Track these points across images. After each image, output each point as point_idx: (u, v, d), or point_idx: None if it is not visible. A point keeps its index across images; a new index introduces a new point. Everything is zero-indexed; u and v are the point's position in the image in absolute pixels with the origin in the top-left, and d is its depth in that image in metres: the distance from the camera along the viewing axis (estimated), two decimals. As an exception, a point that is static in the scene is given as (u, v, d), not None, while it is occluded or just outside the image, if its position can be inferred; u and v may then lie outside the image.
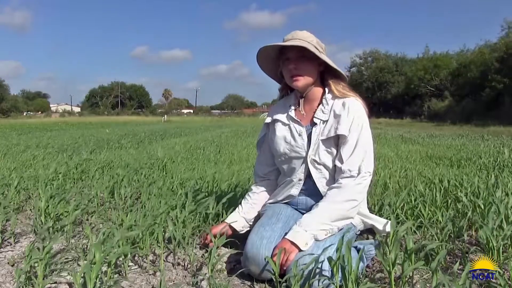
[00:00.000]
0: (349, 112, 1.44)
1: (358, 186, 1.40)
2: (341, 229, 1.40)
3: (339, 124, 1.43)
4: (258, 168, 1.72)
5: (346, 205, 1.38)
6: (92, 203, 2.22)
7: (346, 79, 1.53)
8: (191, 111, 71.57)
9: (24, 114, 54.54)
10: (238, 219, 1.63)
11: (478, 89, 24.68)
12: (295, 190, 1.55)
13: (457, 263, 1.29)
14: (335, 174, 1.46)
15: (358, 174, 1.40)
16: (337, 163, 1.44)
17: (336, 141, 1.46)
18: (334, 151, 1.46)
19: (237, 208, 1.67)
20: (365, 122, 1.46)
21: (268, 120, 1.64)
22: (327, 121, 1.47)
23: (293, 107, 1.57)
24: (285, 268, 1.25)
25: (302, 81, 1.48)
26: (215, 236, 1.50)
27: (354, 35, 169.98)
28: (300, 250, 1.28)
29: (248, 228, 1.63)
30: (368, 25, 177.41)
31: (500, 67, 23.12)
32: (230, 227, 1.61)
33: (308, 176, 1.51)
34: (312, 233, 1.31)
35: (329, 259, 1.19)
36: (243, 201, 1.69)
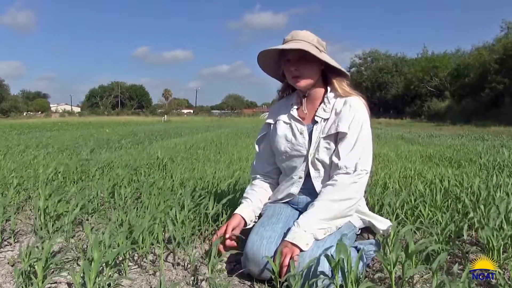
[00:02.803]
0: (350, 110, 1.44)
1: (354, 184, 1.39)
2: (340, 228, 1.39)
3: (339, 122, 1.43)
4: (258, 166, 1.70)
5: (343, 204, 1.37)
6: (92, 203, 2.22)
7: (349, 76, 1.53)
8: (191, 111, 71.56)
9: (24, 114, 54.59)
10: (249, 212, 1.56)
11: (478, 90, 24.69)
12: (295, 189, 1.55)
13: (457, 264, 1.29)
14: (331, 171, 1.46)
15: (354, 171, 1.39)
16: (334, 159, 1.43)
17: (336, 138, 1.45)
18: (333, 148, 1.46)
19: (245, 201, 1.60)
20: (366, 121, 1.46)
21: (270, 119, 1.64)
22: (328, 119, 1.47)
23: (295, 106, 1.57)
24: (289, 269, 1.23)
25: (303, 82, 1.48)
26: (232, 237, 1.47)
27: (356, 35, 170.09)
28: (301, 251, 1.28)
29: (254, 223, 1.57)
30: (370, 25, 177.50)
31: (500, 68, 23.13)
32: (243, 220, 1.53)
33: (308, 175, 1.51)
34: (311, 232, 1.31)
35: (329, 259, 1.19)
36: (250, 194, 1.62)
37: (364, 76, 43.65)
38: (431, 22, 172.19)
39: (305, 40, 1.46)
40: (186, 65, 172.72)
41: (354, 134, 1.42)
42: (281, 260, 1.25)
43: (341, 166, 1.40)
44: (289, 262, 1.24)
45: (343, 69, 1.50)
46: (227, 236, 1.46)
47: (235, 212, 1.55)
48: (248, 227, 1.54)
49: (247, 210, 1.56)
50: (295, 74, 1.47)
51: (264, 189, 1.65)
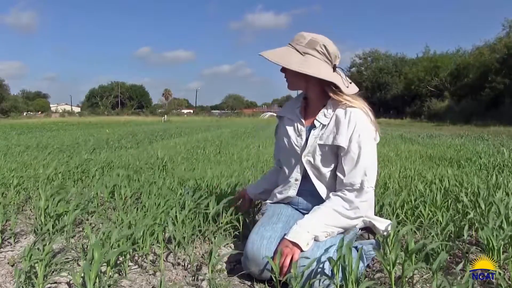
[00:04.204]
0: (350, 122, 1.39)
1: (363, 203, 1.39)
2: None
3: (338, 134, 1.40)
4: (275, 152, 1.78)
5: (350, 222, 1.39)
6: (92, 203, 2.22)
7: (339, 86, 1.41)
8: (191, 111, 71.52)
9: (24, 114, 54.56)
10: (252, 189, 1.85)
11: (478, 90, 24.69)
12: (292, 191, 1.55)
13: (461, 264, 1.29)
14: (336, 183, 1.44)
15: (361, 188, 1.37)
16: (339, 175, 1.41)
17: (334, 150, 1.42)
18: (332, 159, 1.44)
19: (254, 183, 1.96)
20: (368, 134, 1.40)
21: (280, 113, 1.65)
22: (326, 126, 1.44)
23: (300, 105, 1.57)
24: (290, 269, 1.23)
25: (290, 85, 1.51)
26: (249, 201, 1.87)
27: (356, 35, 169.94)
28: (301, 251, 1.28)
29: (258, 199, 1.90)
30: (370, 25, 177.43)
31: (501, 68, 23.12)
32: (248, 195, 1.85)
33: (305, 176, 1.51)
34: (314, 234, 1.31)
35: (330, 259, 1.19)
36: (264, 175, 1.92)
37: (364, 76, 43.66)
38: (432, 21, 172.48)
39: (292, 43, 1.46)
40: (188, 65, 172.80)
41: (355, 149, 1.38)
42: (281, 260, 1.25)
43: (347, 183, 1.39)
44: (289, 263, 1.25)
45: (329, 78, 1.40)
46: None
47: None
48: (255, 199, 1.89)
49: (252, 188, 1.87)
50: (285, 76, 1.51)
51: (271, 173, 1.82)
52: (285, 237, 1.31)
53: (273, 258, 1.28)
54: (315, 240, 1.32)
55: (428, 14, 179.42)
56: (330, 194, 1.43)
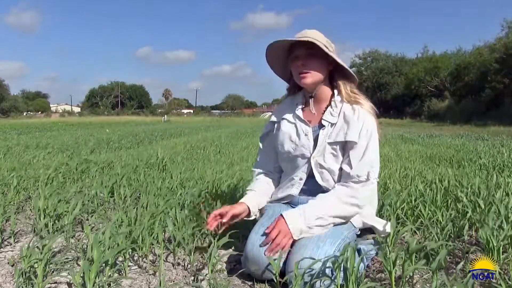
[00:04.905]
0: (359, 118, 1.43)
1: (368, 192, 1.41)
2: (338, 225, 1.40)
3: (348, 130, 1.42)
4: (261, 163, 1.69)
5: (352, 209, 1.40)
6: (92, 203, 2.22)
7: (357, 80, 1.50)
8: (191, 111, 71.50)
9: (24, 114, 54.56)
10: (255, 203, 1.55)
11: (478, 90, 24.69)
12: (295, 190, 1.55)
13: (460, 264, 1.29)
14: (341, 178, 1.45)
15: (367, 180, 1.40)
16: (345, 167, 1.43)
17: (343, 146, 1.45)
18: (340, 155, 1.45)
19: (251, 192, 1.58)
20: (374, 128, 1.45)
21: (274, 118, 1.63)
22: (335, 124, 1.46)
23: (300, 106, 1.56)
24: (283, 248, 1.30)
25: (309, 78, 1.46)
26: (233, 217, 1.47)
27: (356, 36, 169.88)
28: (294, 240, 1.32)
29: (255, 217, 1.56)
30: (370, 25, 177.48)
31: (500, 68, 23.11)
32: (248, 209, 1.52)
33: (310, 176, 1.51)
34: (309, 224, 1.33)
35: (331, 259, 1.19)
36: (256, 187, 1.60)
37: (365, 76, 43.61)
38: (432, 21, 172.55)
39: (314, 38, 1.45)
40: (188, 65, 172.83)
41: (364, 143, 1.41)
42: (273, 234, 1.30)
43: (353, 175, 1.40)
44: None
45: (351, 71, 1.48)
46: (224, 220, 1.46)
47: (241, 200, 1.54)
48: (250, 218, 1.54)
49: (253, 200, 1.55)
50: (302, 69, 1.45)
51: (267, 183, 1.64)
52: (284, 216, 1.35)
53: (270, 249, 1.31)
54: (307, 227, 1.33)
55: (428, 14, 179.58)
56: (336, 185, 1.45)
